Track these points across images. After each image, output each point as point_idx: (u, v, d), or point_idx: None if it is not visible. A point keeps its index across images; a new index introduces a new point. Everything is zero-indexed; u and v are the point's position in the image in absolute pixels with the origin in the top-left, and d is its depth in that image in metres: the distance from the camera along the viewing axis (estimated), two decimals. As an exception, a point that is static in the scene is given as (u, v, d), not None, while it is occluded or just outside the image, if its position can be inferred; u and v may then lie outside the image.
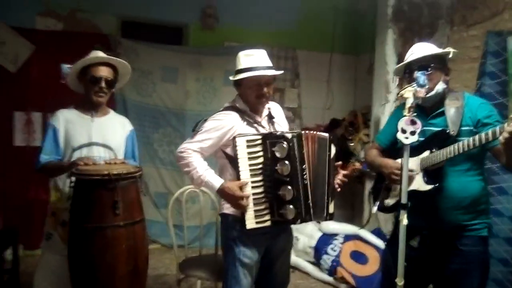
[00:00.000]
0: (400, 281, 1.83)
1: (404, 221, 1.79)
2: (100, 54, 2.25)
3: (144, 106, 4.27)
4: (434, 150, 1.86)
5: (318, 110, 4.90)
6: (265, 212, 1.97)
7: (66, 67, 2.29)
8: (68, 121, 2.21)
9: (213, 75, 4.45)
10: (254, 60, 2.08)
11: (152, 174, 4.33)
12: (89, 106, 2.24)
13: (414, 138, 1.75)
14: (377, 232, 3.63)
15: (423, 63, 1.93)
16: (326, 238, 3.63)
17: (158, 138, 4.35)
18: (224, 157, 2.08)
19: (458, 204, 1.85)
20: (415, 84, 1.76)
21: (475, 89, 3.21)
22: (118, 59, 2.30)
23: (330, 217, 2.09)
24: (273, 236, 2.13)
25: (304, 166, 1.99)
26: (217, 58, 4.42)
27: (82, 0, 3.99)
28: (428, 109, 1.99)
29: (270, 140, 1.96)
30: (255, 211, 1.95)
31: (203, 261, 2.58)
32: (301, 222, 2.00)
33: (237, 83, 2.15)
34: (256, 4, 4.39)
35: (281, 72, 2.23)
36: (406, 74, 2.04)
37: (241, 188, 1.94)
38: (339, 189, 2.13)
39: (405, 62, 2.02)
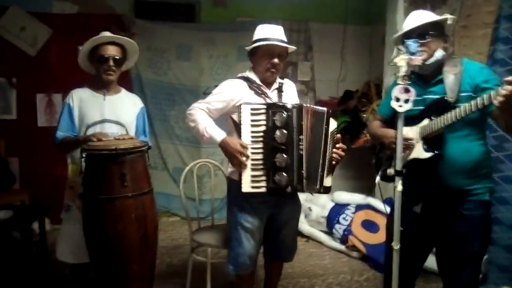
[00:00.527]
0: (396, 245, 1.89)
1: (399, 187, 1.84)
2: (106, 34, 2.34)
3: (159, 84, 4.39)
4: (433, 118, 1.88)
5: (332, 83, 4.88)
6: (261, 178, 2.05)
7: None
8: (82, 100, 2.33)
9: (226, 51, 4.50)
10: (270, 32, 2.19)
11: (170, 150, 4.48)
12: (101, 85, 2.35)
13: (408, 106, 1.78)
14: (389, 201, 3.64)
15: (420, 32, 1.93)
16: (338, 208, 3.70)
17: (174, 115, 4.47)
18: (232, 123, 2.18)
19: (460, 169, 1.87)
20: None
21: (488, 55, 3.15)
22: (125, 37, 2.38)
23: (326, 190, 2.16)
24: (277, 205, 2.22)
25: (301, 136, 2.06)
26: (230, 34, 4.46)
27: (95, -18, 4.09)
28: (427, 77, 1.99)
29: (272, 109, 2.05)
30: (252, 176, 2.04)
31: (214, 231, 2.70)
32: (292, 191, 2.08)
33: (252, 53, 2.24)
34: (267, -23, 4.38)
35: (295, 48, 2.31)
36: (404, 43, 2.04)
37: (241, 146, 2.02)
38: (334, 163, 2.17)
39: (402, 31, 2.02)
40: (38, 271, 2.89)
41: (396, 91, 1.78)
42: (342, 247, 3.55)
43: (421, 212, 2.02)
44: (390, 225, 2.18)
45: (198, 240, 2.61)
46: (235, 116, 2.14)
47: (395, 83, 2.11)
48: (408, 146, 1.92)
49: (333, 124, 2.15)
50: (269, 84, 2.26)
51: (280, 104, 2.14)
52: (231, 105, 2.16)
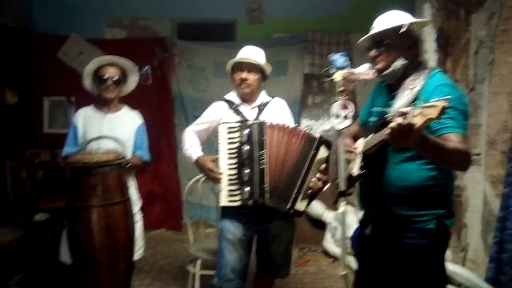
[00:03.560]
0: (341, 271, 1.79)
1: (341, 208, 1.75)
2: (106, 57, 2.60)
3: (200, 100, 4.62)
4: (375, 133, 1.74)
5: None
6: (237, 192, 2.15)
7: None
8: (86, 117, 2.63)
9: (263, 67, 4.58)
10: (244, 53, 2.40)
11: (210, 164, 4.67)
12: (102, 103, 2.62)
13: (347, 123, 1.70)
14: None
15: (378, 39, 1.81)
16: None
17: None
18: None
19: (398, 193, 1.70)
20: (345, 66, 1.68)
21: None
22: (122, 59, 2.63)
23: (297, 213, 2.15)
24: (265, 221, 2.27)
25: (262, 152, 2.09)
26: (265, 51, 4.48)
27: (142, 8, 4.49)
28: (393, 86, 1.83)
29: (243, 126, 2.18)
30: (229, 190, 2.16)
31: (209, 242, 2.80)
32: (255, 204, 2.11)
33: (231, 76, 2.44)
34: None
35: (261, 62, 2.41)
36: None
37: (214, 162, 2.19)
38: (310, 191, 2.13)
39: (363, 37, 1.90)
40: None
41: (336, 108, 1.72)
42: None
43: (371, 235, 1.87)
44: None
45: (189, 252, 2.73)
46: None
47: (375, 90, 1.99)
48: (350, 159, 1.81)
49: (323, 153, 2.12)
50: (249, 102, 2.38)
51: (245, 121, 2.26)
52: (214, 125, 2.36)
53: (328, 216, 3.91)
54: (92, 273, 2.15)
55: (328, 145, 2.14)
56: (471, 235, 3.38)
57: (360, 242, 1.98)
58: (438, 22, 3.24)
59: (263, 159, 2.11)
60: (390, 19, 1.79)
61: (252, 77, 2.34)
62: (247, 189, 2.12)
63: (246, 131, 2.15)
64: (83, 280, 2.18)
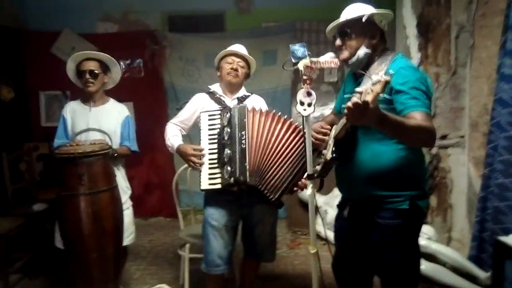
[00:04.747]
0: (311, 249, 1.89)
1: (309, 190, 1.84)
2: (80, 53, 2.71)
3: (191, 91, 4.70)
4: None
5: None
6: (217, 175, 2.22)
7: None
8: (73, 111, 2.73)
9: (252, 57, 4.64)
10: (233, 48, 2.53)
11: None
12: (87, 97, 2.73)
13: (311, 110, 1.78)
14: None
15: (342, 29, 1.89)
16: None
17: (206, 118, 4.77)
18: None
19: (370, 174, 1.78)
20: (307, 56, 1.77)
21: (499, 46, 2.84)
22: (98, 52, 2.75)
23: (279, 205, 2.25)
24: (248, 205, 2.35)
25: (243, 132, 2.19)
26: (254, 40, 4.58)
27: (132, 2, 4.58)
28: (358, 74, 1.93)
29: (224, 112, 2.27)
30: (209, 174, 2.23)
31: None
32: (236, 181, 2.16)
33: (218, 67, 2.56)
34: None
35: (249, 56, 2.55)
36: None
37: (194, 150, 2.26)
38: (295, 188, 2.26)
39: (328, 28, 1.98)
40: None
41: (300, 95, 1.79)
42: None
43: (348, 217, 1.97)
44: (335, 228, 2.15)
45: (179, 236, 2.86)
46: None
47: (347, 78, 2.08)
48: (323, 144, 1.90)
49: None
50: (230, 93, 2.50)
51: (226, 106, 2.37)
52: (196, 115, 2.47)
53: (319, 200, 4.01)
54: (82, 258, 2.27)
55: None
56: (456, 215, 3.46)
57: (338, 224, 2.07)
58: (418, 8, 3.29)
59: (244, 139, 2.18)
60: (354, 11, 1.88)
61: (241, 69, 2.48)
62: (228, 168, 2.16)
63: (228, 115, 2.24)
64: (74, 264, 2.31)
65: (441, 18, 3.33)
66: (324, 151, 1.93)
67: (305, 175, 1.91)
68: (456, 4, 3.31)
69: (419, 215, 1.85)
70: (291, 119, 2.29)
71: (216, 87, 2.55)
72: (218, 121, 2.28)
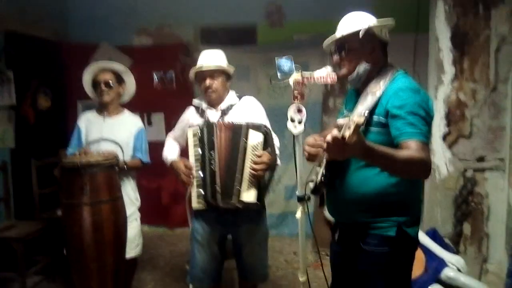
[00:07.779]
0: (301, 277, 1.78)
1: (298, 214, 1.74)
2: (95, 65, 2.77)
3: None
4: None
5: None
6: (201, 196, 2.19)
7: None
8: (88, 121, 2.80)
9: (284, 69, 4.58)
10: (204, 58, 2.37)
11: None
12: (102, 108, 2.78)
13: (301, 128, 1.68)
14: (431, 233, 3.19)
15: (339, 44, 1.78)
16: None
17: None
18: None
19: (356, 200, 1.67)
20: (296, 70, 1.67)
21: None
22: (110, 63, 2.80)
23: (247, 205, 2.14)
24: (234, 224, 2.28)
25: (212, 152, 2.14)
26: (286, 53, 4.50)
27: (167, 15, 4.68)
28: (359, 91, 1.80)
29: (197, 130, 2.22)
30: (197, 192, 2.20)
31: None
32: (209, 206, 2.16)
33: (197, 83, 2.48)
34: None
35: (222, 65, 2.38)
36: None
37: (185, 166, 2.21)
38: (254, 179, 2.13)
39: (325, 43, 1.86)
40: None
41: (291, 111, 1.71)
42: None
43: (338, 240, 1.84)
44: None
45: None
46: None
47: (349, 92, 1.95)
48: (318, 158, 1.78)
49: (255, 138, 2.13)
50: (214, 105, 2.38)
51: (206, 120, 2.30)
52: (186, 130, 2.36)
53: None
54: (81, 267, 2.30)
55: (258, 128, 2.14)
56: (493, 246, 3.17)
57: (332, 249, 1.96)
58: (453, 18, 3.06)
59: (213, 159, 2.14)
60: (351, 23, 1.76)
61: (215, 82, 2.34)
62: (201, 191, 2.16)
63: (199, 134, 2.19)
64: (75, 272, 2.34)
65: (479, 29, 3.07)
66: (317, 168, 1.80)
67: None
68: (497, 14, 3.05)
69: (409, 244, 1.70)
70: (243, 123, 2.17)
71: (201, 99, 2.44)
72: (197, 137, 2.23)
